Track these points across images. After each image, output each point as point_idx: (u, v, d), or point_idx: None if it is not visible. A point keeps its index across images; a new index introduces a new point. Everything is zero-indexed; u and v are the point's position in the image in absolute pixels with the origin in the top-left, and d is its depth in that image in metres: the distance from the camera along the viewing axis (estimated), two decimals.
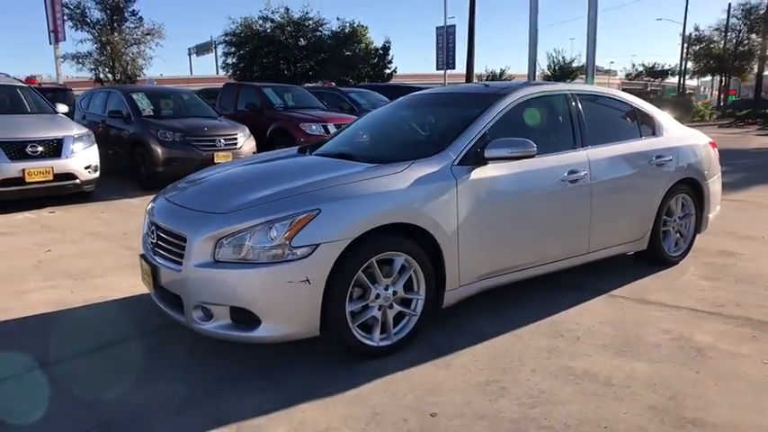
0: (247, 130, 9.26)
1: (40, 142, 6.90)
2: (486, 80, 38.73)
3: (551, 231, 3.62)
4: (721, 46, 36.82)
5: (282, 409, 2.49)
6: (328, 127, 9.79)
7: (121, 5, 23.08)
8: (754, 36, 35.62)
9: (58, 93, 13.28)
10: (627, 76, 51.96)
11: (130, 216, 6.53)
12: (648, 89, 50.91)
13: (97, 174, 7.55)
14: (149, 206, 3.36)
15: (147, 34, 23.76)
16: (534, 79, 16.87)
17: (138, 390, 2.69)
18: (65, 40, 21.93)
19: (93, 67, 23.31)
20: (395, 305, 2.97)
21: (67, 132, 7.27)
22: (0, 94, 8.01)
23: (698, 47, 37.67)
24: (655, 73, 47.95)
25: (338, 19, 32.18)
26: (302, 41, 27.28)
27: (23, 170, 6.64)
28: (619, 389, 2.62)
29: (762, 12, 34.23)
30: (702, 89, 71.55)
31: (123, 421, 2.42)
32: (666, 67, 47.19)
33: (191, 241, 2.73)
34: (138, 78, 24.13)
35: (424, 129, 4.12)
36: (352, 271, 2.76)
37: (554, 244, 3.68)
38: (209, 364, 2.94)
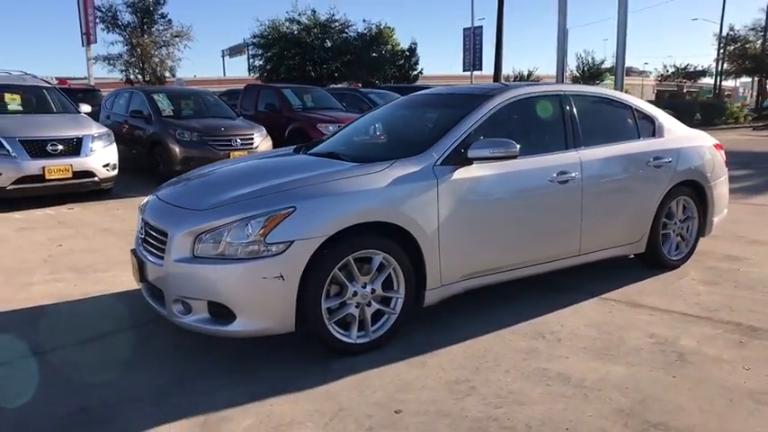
0: (264, 131, 9.42)
1: (60, 141, 7.14)
2: (514, 81, 38.35)
3: (540, 232, 3.60)
4: (758, 46, 35.66)
5: (252, 402, 2.55)
6: None
7: (151, 8, 23.76)
8: None
9: (87, 93, 13.73)
10: (659, 77, 50.78)
11: None
12: (684, 90, 49.67)
13: (115, 172, 7.77)
14: (142, 203, 3.47)
15: (175, 36, 24.41)
16: (563, 81, 16.69)
17: (120, 379, 2.79)
18: (96, 42, 22.59)
19: (123, 68, 24.09)
20: (373, 303, 3.00)
21: (87, 131, 7.51)
22: (27, 95, 8.38)
23: (733, 47, 36.56)
24: (688, 74, 46.72)
25: (364, 21, 32.26)
26: (328, 43, 27.46)
27: (43, 168, 6.88)
28: (589, 391, 2.60)
29: None
30: (742, 90, 69.32)
31: (100, 407, 2.52)
32: (700, 68, 45.97)
33: (171, 236, 2.82)
34: (166, 79, 24.72)
35: (415, 129, 4.13)
36: (329, 268, 2.80)
37: (543, 245, 3.65)
38: (193, 357, 3.03)
